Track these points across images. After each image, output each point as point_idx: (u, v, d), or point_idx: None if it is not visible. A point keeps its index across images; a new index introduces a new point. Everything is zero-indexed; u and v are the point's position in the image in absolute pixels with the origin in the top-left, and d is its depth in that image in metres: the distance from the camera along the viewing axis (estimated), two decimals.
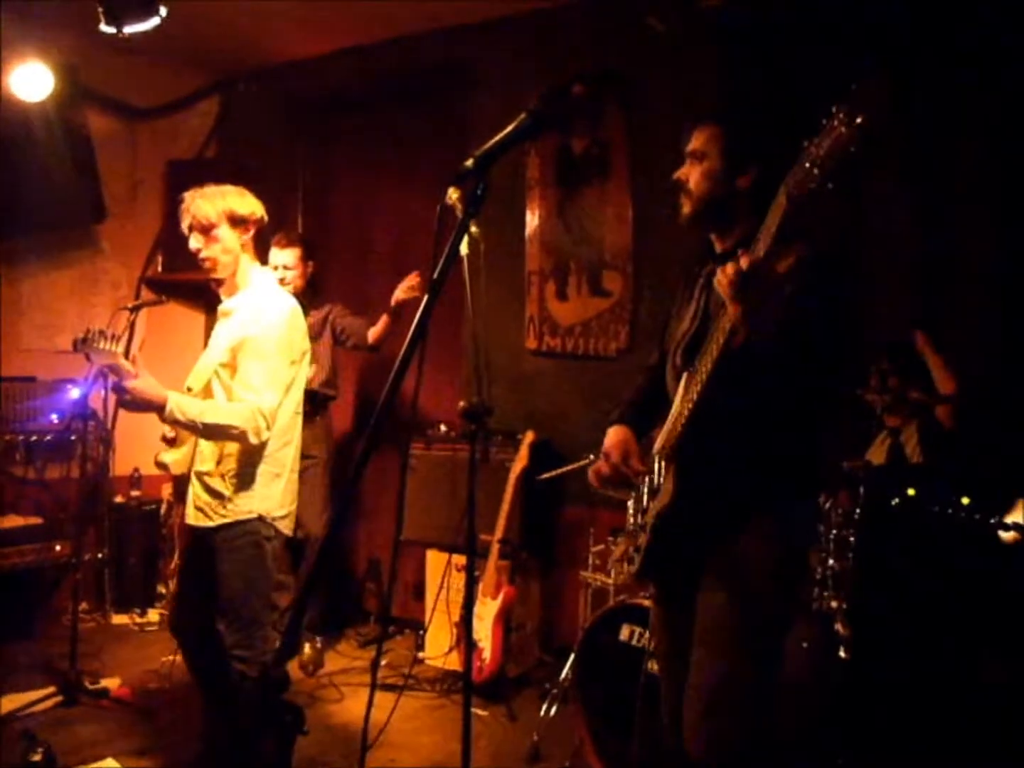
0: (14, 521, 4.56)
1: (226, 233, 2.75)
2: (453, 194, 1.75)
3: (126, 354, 3.80)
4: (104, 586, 4.94)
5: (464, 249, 1.94)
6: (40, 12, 4.25)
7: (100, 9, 3.62)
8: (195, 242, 2.75)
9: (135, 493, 5.19)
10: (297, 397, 2.82)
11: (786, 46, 3.76)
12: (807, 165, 1.61)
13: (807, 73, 3.66)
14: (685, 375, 2.09)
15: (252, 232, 2.81)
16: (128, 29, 3.65)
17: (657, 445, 2.20)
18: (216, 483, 2.71)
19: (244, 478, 2.71)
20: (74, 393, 4.75)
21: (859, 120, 1.53)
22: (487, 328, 3.77)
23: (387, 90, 5.26)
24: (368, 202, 5.48)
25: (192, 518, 2.77)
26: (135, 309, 3.90)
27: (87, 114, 4.89)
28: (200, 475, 2.75)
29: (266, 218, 2.85)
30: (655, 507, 2.11)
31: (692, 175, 2.10)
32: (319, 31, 4.95)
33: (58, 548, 4.59)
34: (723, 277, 1.76)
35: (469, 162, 1.63)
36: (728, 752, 1.95)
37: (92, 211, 4.95)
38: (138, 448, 5.20)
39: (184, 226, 2.78)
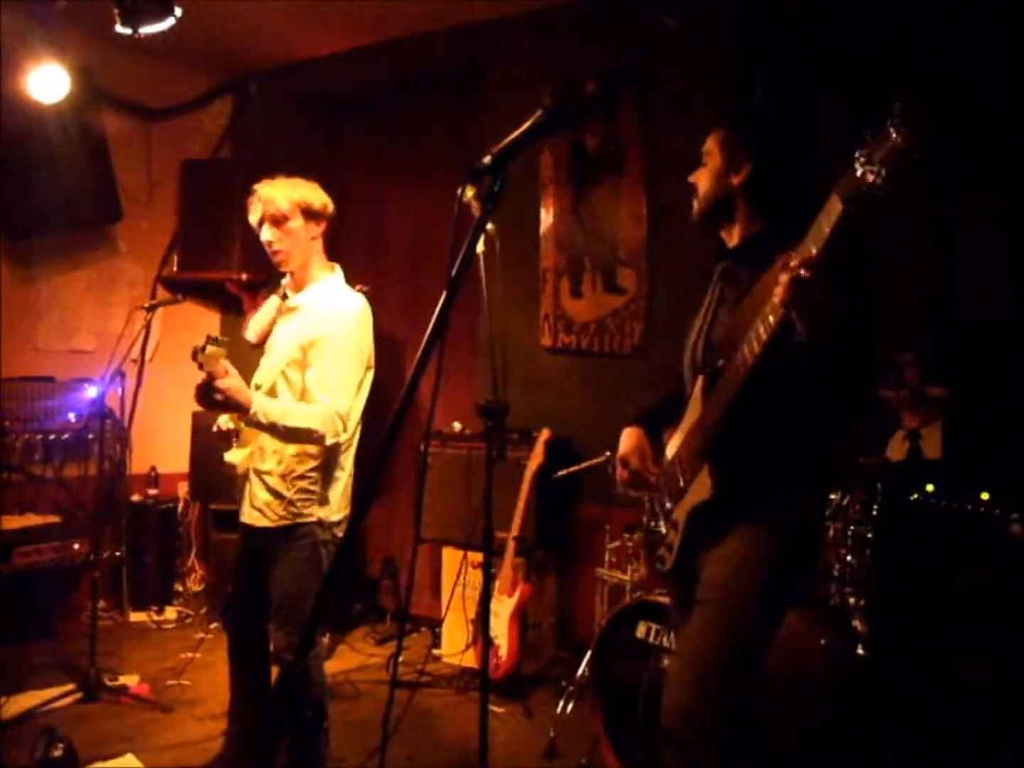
0: (32, 520, 4.58)
1: (299, 225, 2.72)
2: (469, 191, 1.74)
3: (142, 353, 3.85)
4: (122, 584, 4.97)
5: (480, 247, 1.94)
6: (56, 14, 4.27)
7: (116, 10, 3.64)
8: (267, 234, 2.72)
9: (152, 492, 5.22)
10: (363, 400, 2.78)
11: (797, 45, 3.76)
12: (862, 172, 1.63)
13: (817, 74, 3.67)
14: (701, 377, 2.12)
15: (324, 226, 2.79)
16: (144, 30, 3.66)
17: (675, 447, 2.22)
18: (277, 484, 2.68)
19: (307, 481, 2.68)
20: (91, 392, 4.78)
21: (914, 129, 1.58)
22: (502, 326, 3.77)
23: (400, 89, 5.27)
24: (382, 200, 5.49)
25: (248, 516, 2.75)
26: (151, 308, 3.92)
27: (103, 115, 4.93)
28: (260, 474, 2.72)
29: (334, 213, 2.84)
30: (687, 504, 2.13)
31: (700, 176, 2.21)
32: (331, 31, 4.96)
33: (76, 547, 4.61)
34: (781, 276, 1.77)
35: (486, 159, 1.62)
36: (699, 725, 1.96)
37: (108, 211, 4.99)
38: (155, 447, 5.24)
39: (254, 218, 2.74)
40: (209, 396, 2.47)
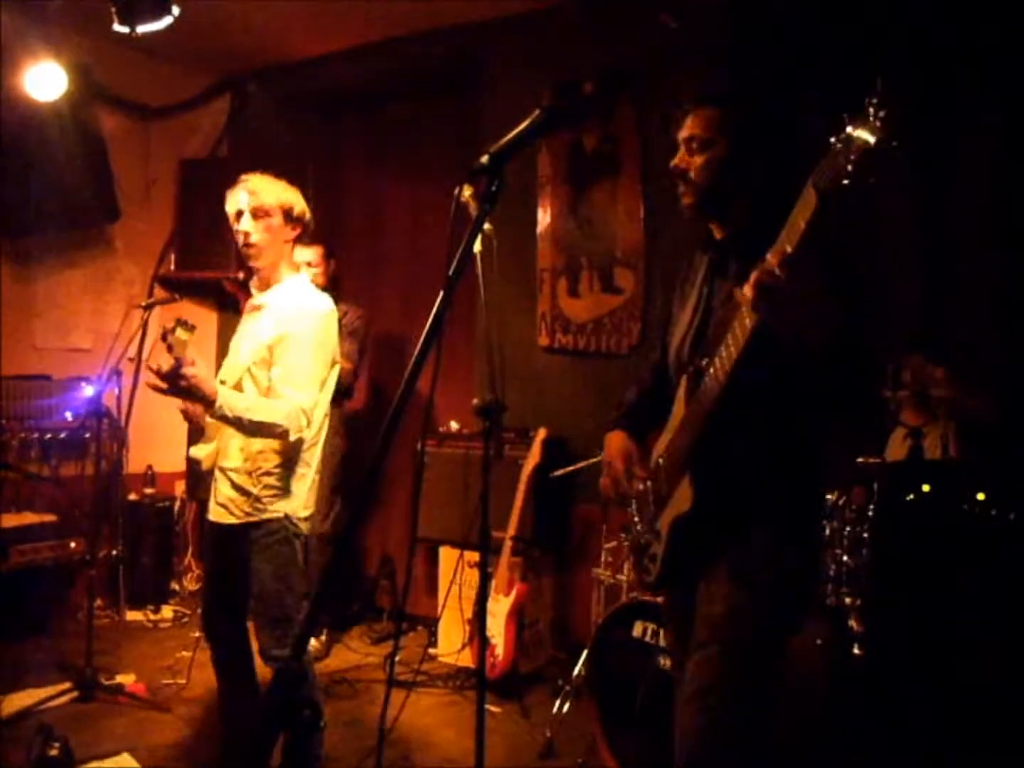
0: (29, 518, 4.58)
1: (278, 224, 2.73)
2: (466, 191, 1.74)
3: (139, 352, 3.85)
4: (118, 583, 4.95)
5: (477, 246, 1.94)
6: (53, 12, 4.27)
7: (113, 9, 3.63)
8: (246, 225, 2.70)
9: (149, 491, 5.22)
10: (327, 397, 2.78)
11: (797, 44, 3.76)
12: (839, 161, 1.54)
13: (816, 71, 3.67)
14: (685, 377, 2.02)
15: (298, 232, 2.80)
16: (141, 28, 3.65)
17: (660, 449, 2.12)
18: (244, 480, 2.68)
19: (272, 477, 2.68)
20: (88, 391, 4.77)
21: (891, 114, 1.49)
22: (500, 325, 3.77)
23: (398, 88, 5.28)
24: (379, 200, 5.48)
25: (214, 514, 2.75)
26: (148, 307, 3.92)
27: (100, 114, 4.92)
28: (225, 471, 2.72)
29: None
30: (669, 515, 2.02)
31: (694, 163, 1.99)
32: (329, 29, 4.96)
33: (73, 545, 4.62)
34: (754, 275, 1.66)
35: (484, 159, 1.60)
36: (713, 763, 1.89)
37: (105, 210, 4.98)
38: (152, 446, 5.24)
39: (233, 208, 2.73)
40: (175, 382, 2.45)
